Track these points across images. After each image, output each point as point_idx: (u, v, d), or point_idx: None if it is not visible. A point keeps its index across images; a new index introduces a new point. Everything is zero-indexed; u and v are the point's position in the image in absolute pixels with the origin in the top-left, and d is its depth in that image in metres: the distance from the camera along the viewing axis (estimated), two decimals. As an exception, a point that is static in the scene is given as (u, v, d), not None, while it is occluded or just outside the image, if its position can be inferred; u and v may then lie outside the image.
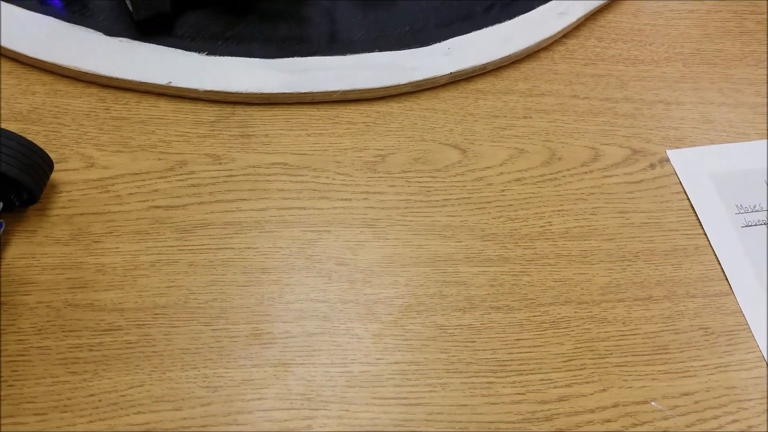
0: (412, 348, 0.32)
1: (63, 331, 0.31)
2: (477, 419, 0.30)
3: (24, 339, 0.30)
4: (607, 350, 0.33)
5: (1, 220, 0.32)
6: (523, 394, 0.31)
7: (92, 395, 0.29)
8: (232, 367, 0.30)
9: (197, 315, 0.32)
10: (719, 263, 0.36)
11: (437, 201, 0.37)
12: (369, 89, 0.39)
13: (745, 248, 0.37)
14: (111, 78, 0.38)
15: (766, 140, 0.41)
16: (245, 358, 0.31)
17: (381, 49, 0.41)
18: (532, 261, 0.35)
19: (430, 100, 0.41)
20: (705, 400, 0.32)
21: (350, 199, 0.36)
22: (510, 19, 0.44)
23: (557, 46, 0.44)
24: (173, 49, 0.39)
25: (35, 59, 0.38)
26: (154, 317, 0.31)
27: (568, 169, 0.39)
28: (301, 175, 0.37)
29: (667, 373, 0.32)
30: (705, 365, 0.33)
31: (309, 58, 0.40)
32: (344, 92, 0.39)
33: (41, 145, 0.33)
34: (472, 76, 0.42)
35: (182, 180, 0.36)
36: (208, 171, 0.36)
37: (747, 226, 0.38)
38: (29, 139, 0.32)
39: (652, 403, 0.31)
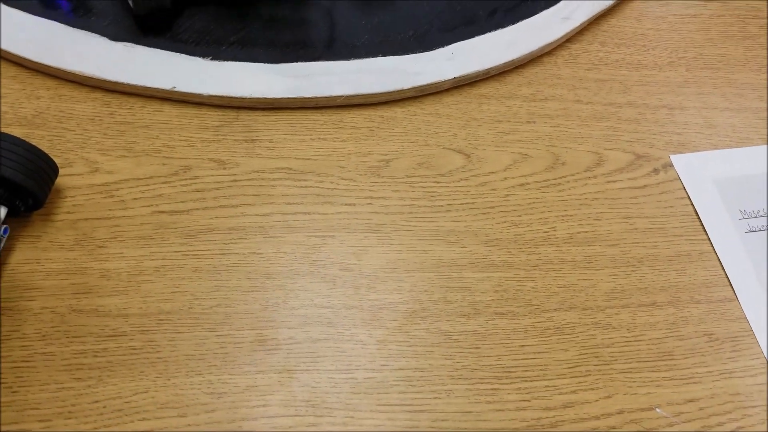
0: (416, 354, 0.32)
1: (67, 337, 0.31)
2: (482, 426, 0.30)
3: (28, 345, 0.30)
4: (612, 356, 0.33)
5: (6, 226, 0.32)
6: (528, 400, 0.31)
7: (97, 401, 0.29)
8: (237, 373, 0.30)
9: (202, 321, 0.32)
10: (723, 269, 0.36)
11: (441, 206, 0.37)
12: (373, 94, 0.39)
13: (748, 254, 0.37)
14: (115, 83, 0.38)
15: (769, 145, 0.41)
16: (250, 364, 0.31)
17: (384, 54, 0.41)
18: (536, 266, 0.35)
19: (434, 105, 0.41)
20: (710, 406, 0.32)
21: (354, 204, 0.36)
22: (513, 23, 0.44)
23: (560, 51, 0.44)
24: (177, 53, 0.39)
25: (40, 64, 0.38)
26: (158, 323, 0.31)
27: (572, 174, 0.39)
28: (305, 180, 0.37)
29: (671, 379, 0.32)
30: (709, 371, 0.33)
31: (313, 62, 0.40)
32: (348, 97, 0.39)
33: (46, 150, 0.33)
34: (476, 81, 0.42)
35: (186, 185, 0.36)
36: (212, 176, 0.36)
37: (751, 231, 0.38)
38: (34, 144, 0.32)
39: (657, 409, 0.31)
